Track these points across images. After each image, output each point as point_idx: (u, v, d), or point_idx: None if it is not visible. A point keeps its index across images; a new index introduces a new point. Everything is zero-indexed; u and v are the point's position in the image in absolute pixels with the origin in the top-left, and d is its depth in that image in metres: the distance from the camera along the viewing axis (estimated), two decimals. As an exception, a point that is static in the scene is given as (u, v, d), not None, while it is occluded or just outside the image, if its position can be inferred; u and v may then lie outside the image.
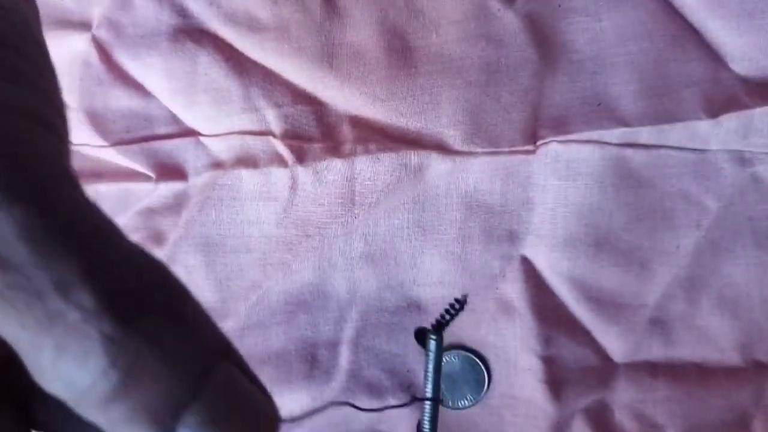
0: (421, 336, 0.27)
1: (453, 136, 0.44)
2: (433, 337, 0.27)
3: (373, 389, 0.45)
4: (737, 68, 0.42)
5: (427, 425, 0.28)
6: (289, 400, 0.44)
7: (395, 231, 0.45)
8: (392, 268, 0.45)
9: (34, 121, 0.15)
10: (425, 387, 0.28)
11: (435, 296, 0.45)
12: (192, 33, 0.44)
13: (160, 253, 0.45)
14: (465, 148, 0.44)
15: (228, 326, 0.46)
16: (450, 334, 0.45)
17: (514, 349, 0.45)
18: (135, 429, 0.14)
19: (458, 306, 0.26)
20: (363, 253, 0.45)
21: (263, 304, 0.45)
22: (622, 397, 0.44)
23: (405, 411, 0.44)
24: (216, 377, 0.15)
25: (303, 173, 0.44)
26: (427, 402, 0.28)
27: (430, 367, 0.27)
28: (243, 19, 0.44)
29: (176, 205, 0.45)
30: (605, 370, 0.44)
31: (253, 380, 0.16)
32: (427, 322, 0.45)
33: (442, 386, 0.44)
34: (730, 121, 0.42)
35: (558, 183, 0.44)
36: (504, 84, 0.43)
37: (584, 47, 0.43)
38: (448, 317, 0.27)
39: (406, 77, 0.44)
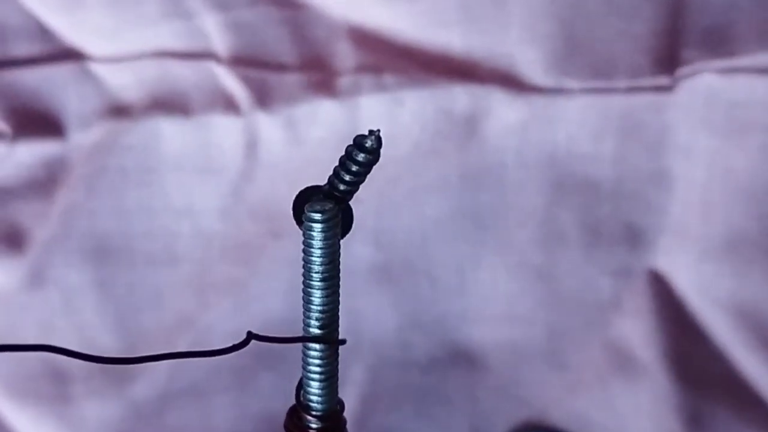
0: (300, 210, 0.24)
1: (529, 62, 0.41)
2: (317, 215, 0.24)
3: (393, 503, 0.46)
4: None
5: (316, 378, 0.25)
6: None
7: (428, 226, 0.44)
8: (423, 291, 0.45)
9: None
10: (306, 318, 0.25)
11: (499, 340, 0.45)
12: None
13: (18, 263, 0.44)
14: (550, 83, 0.42)
15: (138, 393, 0.44)
16: (525, 406, 0.45)
17: (637, 431, 0.44)
18: None
19: (371, 149, 0.23)
20: (373, 265, 0.44)
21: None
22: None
23: None
24: None
25: (267, 125, 0.43)
26: (314, 346, 0.25)
27: (314, 269, 0.24)
28: None
29: (47, 180, 0.43)
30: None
31: None
32: (484, 383, 0.45)
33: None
34: None
35: (714, 142, 0.42)
36: (619, -27, 0.43)
37: None
38: (350, 177, 0.24)
39: (448, -40, 0.44)
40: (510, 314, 0.45)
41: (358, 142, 0.23)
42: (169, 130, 0.43)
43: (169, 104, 0.43)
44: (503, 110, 0.42)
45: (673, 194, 0.43)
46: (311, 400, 0.25)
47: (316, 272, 0.24)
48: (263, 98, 0.43)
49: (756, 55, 0.41)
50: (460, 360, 0.45)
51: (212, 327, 0.44)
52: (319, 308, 0.25)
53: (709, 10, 0.42)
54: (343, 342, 0.25)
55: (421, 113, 0.42)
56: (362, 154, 0.23)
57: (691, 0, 0.42)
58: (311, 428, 0.25)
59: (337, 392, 0.26)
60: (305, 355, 0.25)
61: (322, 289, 0.24)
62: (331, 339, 0.25)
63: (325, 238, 0.24)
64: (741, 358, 0.43)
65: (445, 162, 0.43)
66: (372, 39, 0.43)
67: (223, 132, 0.43)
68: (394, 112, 0.42)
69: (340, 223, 0.24)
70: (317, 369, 0.25)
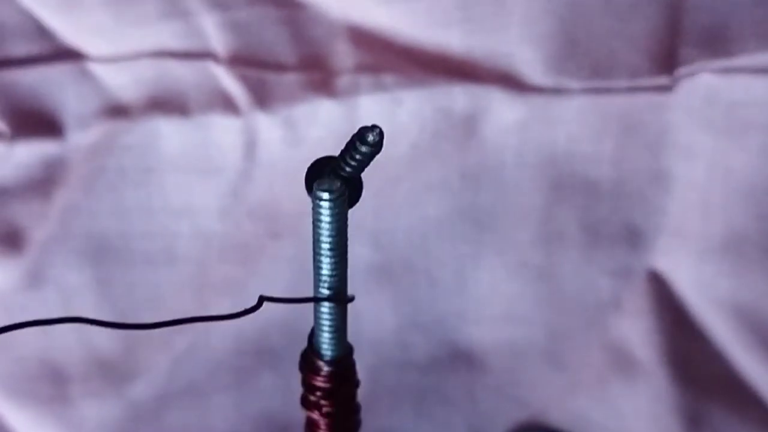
0: (312, 180, 0.26)
1: (529, 62, 0.42)
2: (325, 194, 0.25)
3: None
4: None
5: (326, 332, 0.27)
6: None
7: (427, 227, 0.44)
8: (423, 291, 0.45)
9: None
10: (316, 281, 0.27)
11: (499, 340, 0.45)
12: None
13: (16, 264, 0.44)
14: (550, 83, 0.42)
15: (137, 393, 0.45)
16: (525, 407, 0.45)
17: (636, 431, 0.44)
18: None
19: (373, 143, 0.24)
20: (372, 265, 0.44)
21: (198, 355, 0.45)
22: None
23: None
24: None
25: (267, 125, 0.43)
26: (324, 304, 0.27)
27: (323, 240, 0.26)
28: None
29: (45, 180, 0.43)
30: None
31: None
32: (483, 384, 0.45)
33: None
34: None
35: (713, 142, 0.42)
36: (618, -27, 0.42)
37: None
38: (354, 163, 0.25)
39: (448, -40, 0.43)
40: (510, 314, 0.45)
41: (361, 135, 0.24)
42: (167, 130, 0.43)
43: (167, 104, 0.43)
44: (502, 110, 0.42)
45: (672, 194, 0.43)
46: (322, 348, 0.27)
47: (324, 243, 0.26)
48: (262, 98, 0.42)
49: (755, 55, 0.41)
50: (460, 360, 0.45)
51: (211, 327, 0.44)
52: (327, 274, 0.26)
53: (708, 9, 0.42)
54: (351, 300, 0.27)
55: (420, 113, 0.42)
56: (364, 147, 0.24)
57: (690, 0, 0.42)
58: (322, 370, 0.27)
59: (345, 342, 0.28)
60: (316, 312, 0.27)
61: (330, 257, 0.26)
62: (339, 299, 0.26)
63: (332, 215, 0.25)
64: (740, 358, 0.43)
65: (445, 162, 0.43)
66: (371, 39, 0.43)
67: (222, 132, 0.43)
68: (393, 112, 0.42)
69: (347, 199, 0.25)
70: (327, 324, 0.27)
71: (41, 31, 0.42)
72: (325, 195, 0.25)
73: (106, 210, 0.43)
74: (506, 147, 0.43)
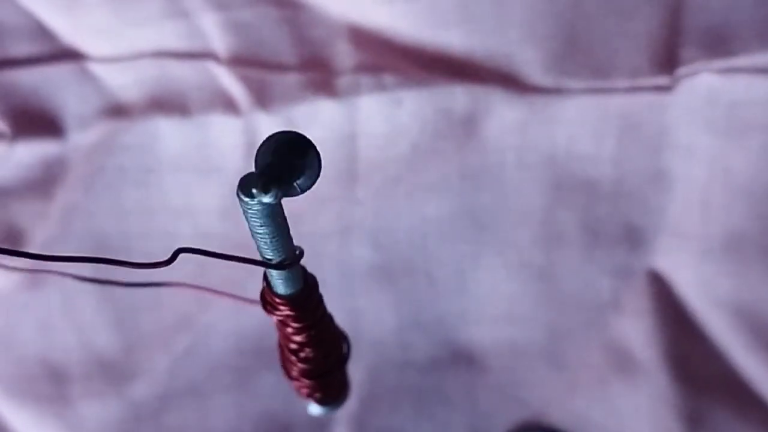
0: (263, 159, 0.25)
1: (529, 62, 0.41)
2: (249, 199, 0.23)
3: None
4: None
5: (280, 288, 0.28)
6: None
7: (428, 227, 0.44)
8: (423, 291, 0.45)
9: None
10: (258, 249, 0.27)
11: (499, 340, 0.45)
12: None
13: (16, 264, 0.42)
14: (550, 83, 0.42)
15: (137, 393, 0.45)
16: (525, 407, 0.45)
17: (636, 431, 0.44)
18: None
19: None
20: (372, 266, 0.44)
21: (199, 355, 0.45)
22: None
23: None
24: None
25: (267, 125, 0.42)
26: (273, 272, 0.27)
27: (256, 232, 0.26)
28: None
29: (46, 180, 0.43)
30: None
31: None
32: (483, 384, 0.45)
33: None
34: None
35: (714, 142, 0.42)
36: (618, -28, 0.42)
37: None
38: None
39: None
40: (510, 314, 0.45)
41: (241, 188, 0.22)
42: (168, 130, 0.43)
43: (168, 104, 0.43)
44: (503, 110, 0.42)
45: (672, 194, 0.43)
46: (276, 288, 0.27)
47: (257, 233, 0.25)
48: (262, 98, 0.42)
49: (755, 55, 0.41)
50: (460, 360, 0.45)
51: (211, 327, 0.44)
52: (265, 247, 0.25)
53: (708, 9, 0.42)
54: (297, 259, 0.26)
55: (421, 113, 0.42)
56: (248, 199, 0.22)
57: (690, 0, 0.42)
58: (278, 307, 0.28)
59: (300, 278, 0.27)
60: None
61: (264, 239, 0.25)
62: (277, 265, 0.26)
63: (262, 218, 0.24)
64: (740, 358, 0.43)
65: (445, 162, 0.43)
66: (371, 39, 0.43)
67: (223, 132, 0.43)
68: (394, 112, 0.42)
69: (280, 200, 0.24)
70: (278, 282, 0.27)
71: (42, 32, 0.43)
72: (250, 201, 0.23)
73: (106, 210, 0.43)
74: (506, 147, 0.43)
